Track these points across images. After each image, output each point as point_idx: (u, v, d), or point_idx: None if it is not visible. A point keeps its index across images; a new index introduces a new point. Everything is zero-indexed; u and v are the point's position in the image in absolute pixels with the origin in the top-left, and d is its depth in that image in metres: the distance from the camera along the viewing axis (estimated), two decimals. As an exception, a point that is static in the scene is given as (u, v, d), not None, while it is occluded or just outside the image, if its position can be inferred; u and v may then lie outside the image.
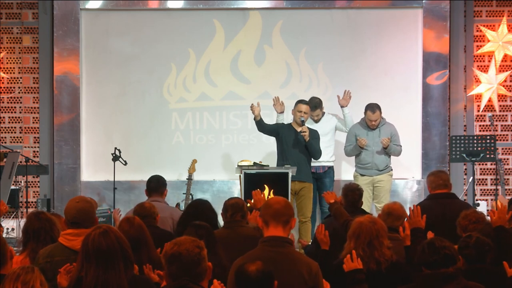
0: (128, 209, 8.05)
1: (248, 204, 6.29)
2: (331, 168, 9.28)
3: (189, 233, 4.93)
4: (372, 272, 4.68)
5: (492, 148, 9.07)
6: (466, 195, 10.08)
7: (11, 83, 10.41)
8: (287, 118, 9.16)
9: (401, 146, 9.11)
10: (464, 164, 10.20)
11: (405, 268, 4.86)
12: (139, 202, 6.18)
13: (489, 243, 4.68)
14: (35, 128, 10.40)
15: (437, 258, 4.23)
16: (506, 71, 10.31)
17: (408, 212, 5.59)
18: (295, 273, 3.86)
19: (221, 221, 5.95)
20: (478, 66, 10.31)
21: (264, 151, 10.15)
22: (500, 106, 10.35)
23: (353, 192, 6.50)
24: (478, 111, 10.31)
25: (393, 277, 4.74)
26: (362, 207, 6.67)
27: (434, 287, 4.18)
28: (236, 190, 9.85)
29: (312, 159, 8.69)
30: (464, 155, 9.03)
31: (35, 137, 10.40)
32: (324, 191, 9.02)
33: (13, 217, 9.98)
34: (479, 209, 8.52)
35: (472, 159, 9.04)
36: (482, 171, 10.35)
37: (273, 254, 4.11)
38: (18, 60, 10.40)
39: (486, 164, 10.29)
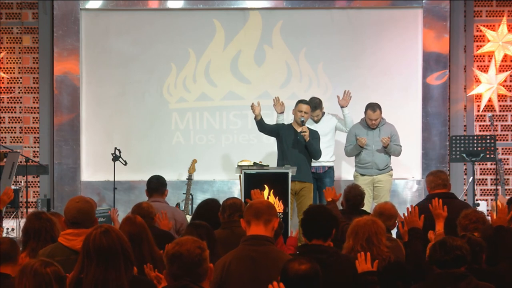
0: (128, 209, 8.05)
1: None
2: (331, 168, 9.28)
3: (189, 232, 4.93)
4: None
5: (492, 148, 9.07)
6: (466, 195, 10.08)
7: (11, 83, 10.42)
8: (287, 118, 9.15)
9: (401, 146, 9.12)
10: (464, 164, 10.20)
11: (405, 267, 4.86)
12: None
13: (480, 244, 4.68)
14: (35, 128, 10.40)
15: (448, 259, 4.23)
16: (506, 71, 10.31)
17: (404, 212, 5.59)
18: (275, 271, 3.89)
19: None
20: (478, 66, 10.31)
21: (264, 151, 10.15)
22: (500, 106, 10.35)
23: (355, 198, 6.57)
24: (478, 111, 10.31)
25: (390, 277, 4.73)
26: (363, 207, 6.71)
27: (445, 287, 4.18)
28: (236, 190, 9.85)
29: (312, 159, 8.69)
30: (464, 155, 9.03)
31: (35, 137, 10.40)
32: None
33: (13, 217, 9.99)
34: (479, 209, 8.51)
35: (472, 159, 9.04)
36: (482, 171, 10.35)
37: (253, 253, 4.17)
38: (18, 60, 10.40)
39: (486, 164, 10.29)
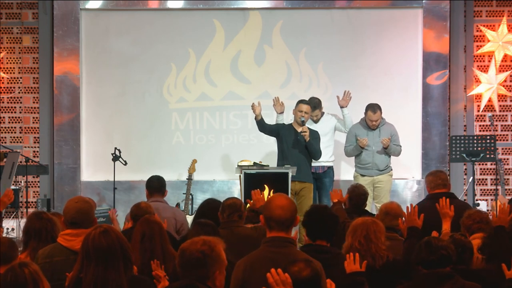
0: (128, 209, 8.04)
1: (248, 205, 6.29)
2: (330, 168, 9.28)
3: (195, 231, 4.93)
4: (368, 267, 4.67)
5: (492, 148, 9.06)
6: (466, 195, 10.08)
7: (11, 83, 10.42)
8: (287, 118, 9.15)
9: (401, 146, 9.11)
10: (464, 164, 10.19)
11: (403, 266, 4.86)
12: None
13: (464, 244, 4.67)
14: (35, 128, 10.40)
15: (434, 258, 4.23)
16: (506, 71, 10.31)
17: (405, 211, 5.59)
18: None
19: None
20: (478, 66, 10.31)
21: (264, 151, 10.15)
22: (500, 106, 10.34)
23: (358, 197, 6.67)
24: (478, 111, 10.31)
25: (388, 276, 4.73)
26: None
27: (431, 287, 4.17)
28: (236, 190, 9.85)
29: (312, 159, 8.69)
30: (464, 155, 9.03)
31: (35, 137, 10.40)
32: (324, 191, 9.09)
33: (13, 217, 9.99)
34: (478, 209, 8.51)
35: (472, 159, 9.04)
36: (482, 171, 10.35)
37: (274, 255, 4.13)
38: (18, 60, 10.40)
39: (486, 164, 10.29)
